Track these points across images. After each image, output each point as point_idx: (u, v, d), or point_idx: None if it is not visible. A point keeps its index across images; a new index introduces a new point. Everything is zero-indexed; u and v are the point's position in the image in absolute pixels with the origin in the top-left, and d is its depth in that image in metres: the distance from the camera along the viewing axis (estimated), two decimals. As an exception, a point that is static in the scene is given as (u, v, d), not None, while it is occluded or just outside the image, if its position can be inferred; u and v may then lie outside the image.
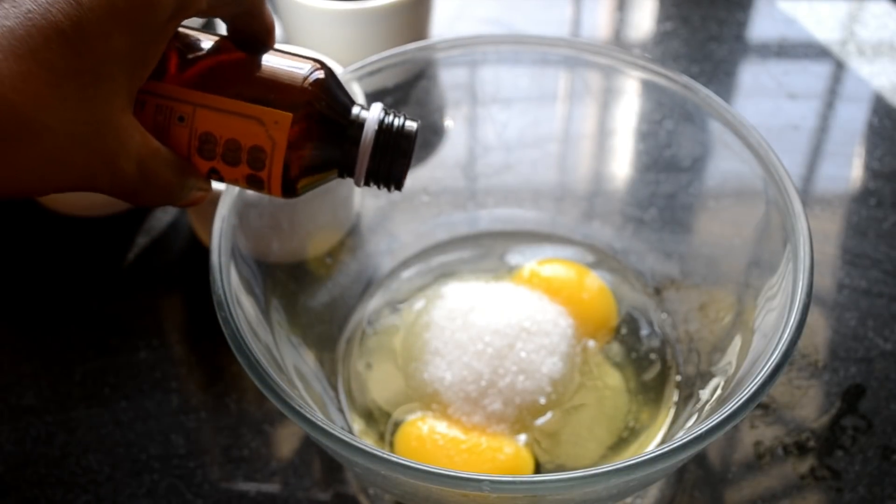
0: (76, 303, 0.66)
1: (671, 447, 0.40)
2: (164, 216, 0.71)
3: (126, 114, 0.35)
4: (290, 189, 0.40)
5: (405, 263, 0.65)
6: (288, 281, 0.57)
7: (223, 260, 0.47)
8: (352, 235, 0.65)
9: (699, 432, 0.41)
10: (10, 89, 0.31)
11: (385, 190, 0.42)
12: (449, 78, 0.64)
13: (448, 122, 0.66)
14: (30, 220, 0.71)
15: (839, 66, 0.83)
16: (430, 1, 0.74)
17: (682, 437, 0.41)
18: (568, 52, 0.59)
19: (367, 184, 0.41)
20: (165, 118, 0.38)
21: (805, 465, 0.57)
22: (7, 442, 0.59)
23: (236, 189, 0.50)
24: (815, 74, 0.82)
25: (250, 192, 0.52)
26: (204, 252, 0.67)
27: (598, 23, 0.90)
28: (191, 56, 0.38)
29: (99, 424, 0.59)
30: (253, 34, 0.40)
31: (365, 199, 0.66)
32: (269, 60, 0.39)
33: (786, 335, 0.44)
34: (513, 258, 0.65)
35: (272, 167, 0.39)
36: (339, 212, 0.63)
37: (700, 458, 0.58)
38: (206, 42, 0.39)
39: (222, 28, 0.41)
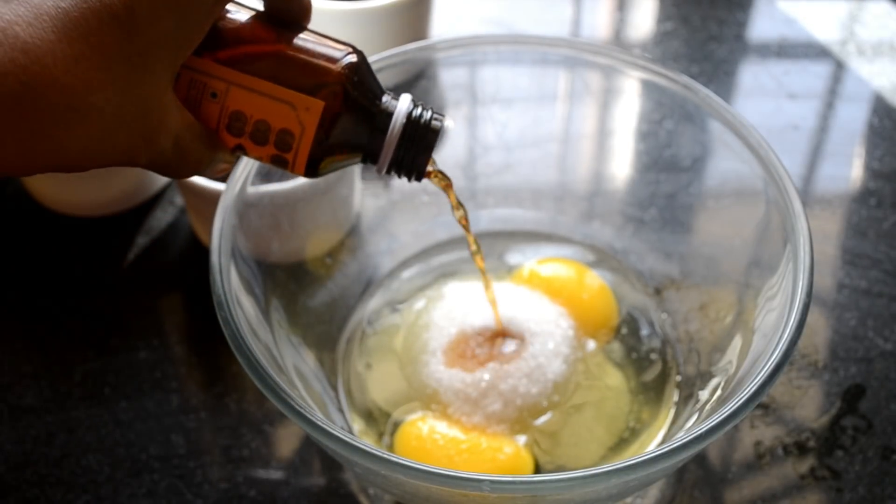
0: (76, 303, 0.66)
1: (671, 447, 0.40)
2: (163, 216, 0.71)
3: (168, 92, 0.36)
4: (312, 170, 0.40)
5: (405, 263, 0.65)
6: (288, 281, 0.57)
7: (223, 260, 0.47)
8: (352, 235, 0.64)
9: (699, 432, 0.41)
10: (62, 72, 0.32)
11: (405, 179, 0.42)
12: (449, 78, 0.64)
13: (448, 122, 0.66)
14: (30, 220, 0.71)
15: (839, 66, 0.83)
16: (430, 1, 0.74)
17: (682, 437, 0.41)
18: (568, 52, 0.59)
19: (388, 172, 0.42)
20: (198, 93, 0.38)
21: (805, 465, 0.57)
22: (7, 442, 0.59)
23: (237, 189, 0.50)
24: (815, 74, 0.82)
25: (251, 192, 0.52)
26: (204, 252, 0.67)
27: (598, 23, 0.90)
28: (228, 33, 0.38)
29: (99, 424, 0.59)
30: (290, 13, 0.40)
31: (365, 199, 0.66)
32: (305, 43, 0.39)
33: (786, 335, 0.44)
34: (513, 258, 0.65)
35: (299, 150, 0.39)
36: (339, 212, 0.63)
37: (700, 458, 0.58)
38: (244, 18, 0.39)
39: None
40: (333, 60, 0.39)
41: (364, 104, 0.40)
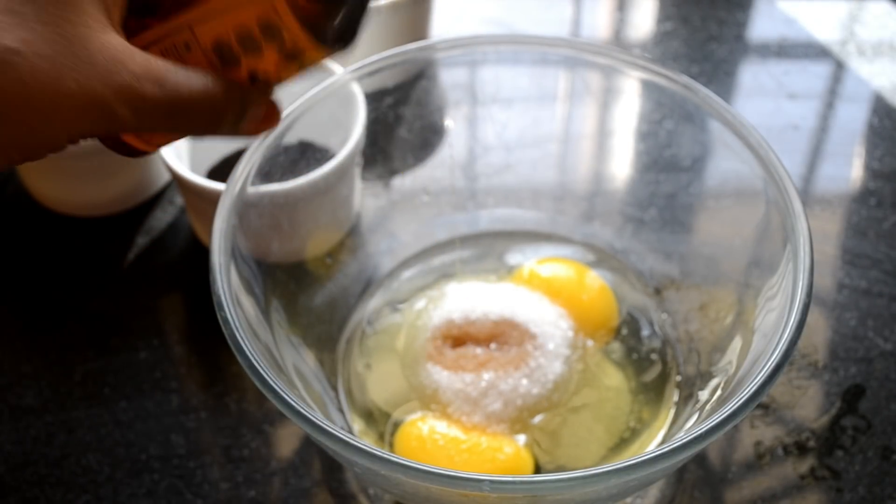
0: (76, 303, 0.66)
1: (671, 447, 0.40)
2: (163, 216, 0.71)
3: (107, 33, 0.34)
4: (318, 31, 0.37)
5: (405, 263, 0.65)
6: (288, 281, 0.57)
7: (223, 260, 0.47)
8: (352, 235, 0.65)
9: (699, 432, 0.41)
10: None
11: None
12: (449, 78, 0.64)
13: (448, 122, 0.66)
14: (30, 220, 0.71)
15: (839, 66, 0.83)
16: (430, 1, 0.74)
17: (682, 437, 0.41)
18: (568, 52, 0.59)
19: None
20: (176, 55, 0.37)
21: (805, 465, 0.57)
22: (7, 442, 0.59)
23: (236, 189, 0.50)
24: (815, 74, 0.82)
25: (250, 192, 0.52)
26: (204, 252, 0.67)
27: (598, 23, 0.90)
28: None
29: (99, 424, 0.59)
30: None
31: (365, 199, 0.66)
32: None
33: (786, 335, 0.44)
34: (513, 258, 0.65)
35: (288, 24, 0.37)
36: (339, 212, 0.63)
37: (700, 458, 0.58)
38: None
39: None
40: None
41: None
